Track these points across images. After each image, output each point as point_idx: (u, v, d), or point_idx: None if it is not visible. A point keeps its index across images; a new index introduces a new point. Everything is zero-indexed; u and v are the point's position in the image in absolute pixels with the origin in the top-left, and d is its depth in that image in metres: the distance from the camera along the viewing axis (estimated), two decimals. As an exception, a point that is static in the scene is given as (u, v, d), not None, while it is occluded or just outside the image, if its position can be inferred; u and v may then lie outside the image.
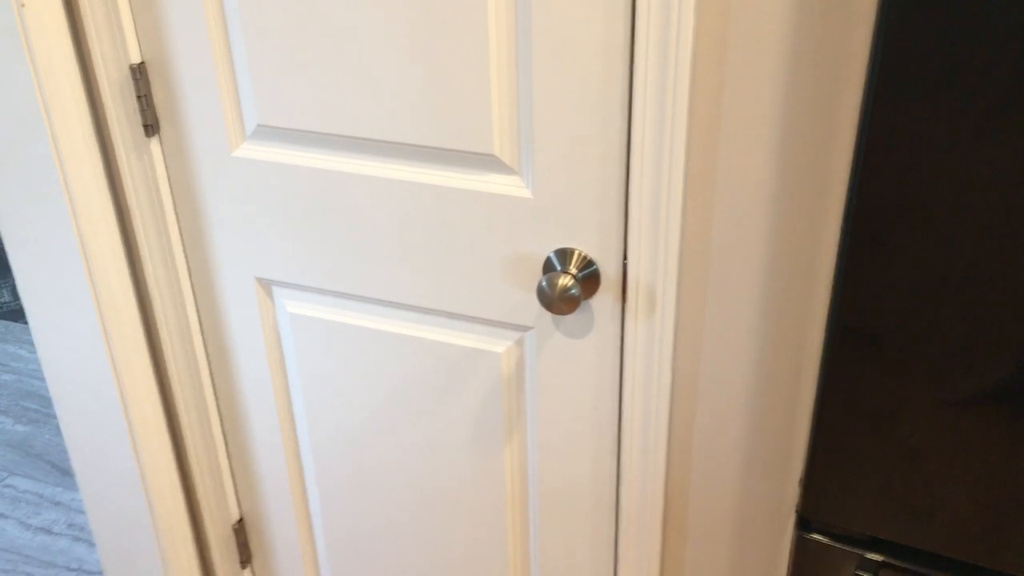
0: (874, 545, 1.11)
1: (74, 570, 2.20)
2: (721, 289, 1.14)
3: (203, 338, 1.51)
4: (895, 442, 1.02)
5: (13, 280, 1.87)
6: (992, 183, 0.86)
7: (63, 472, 2.51)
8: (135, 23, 1.27)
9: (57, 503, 2.40)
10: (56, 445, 2.61)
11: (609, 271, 1.18)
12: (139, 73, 1.29)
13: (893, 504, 1.06)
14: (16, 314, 3.23)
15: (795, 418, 1.18)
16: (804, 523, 1.14)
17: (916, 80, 0.85)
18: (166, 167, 1.37)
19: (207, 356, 1.53)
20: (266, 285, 1.42)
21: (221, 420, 1.59)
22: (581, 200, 1.15)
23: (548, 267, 1.20)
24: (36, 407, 2.77)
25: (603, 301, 1.20)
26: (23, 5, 1.20)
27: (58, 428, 2.67)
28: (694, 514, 1.30)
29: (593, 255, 1.18)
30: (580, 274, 1.18)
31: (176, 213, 1.41)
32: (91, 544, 2.27)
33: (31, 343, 3.05)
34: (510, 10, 1.08)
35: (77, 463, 1.63)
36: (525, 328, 1.27)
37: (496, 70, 1.12)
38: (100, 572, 2.19)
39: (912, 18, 0.82)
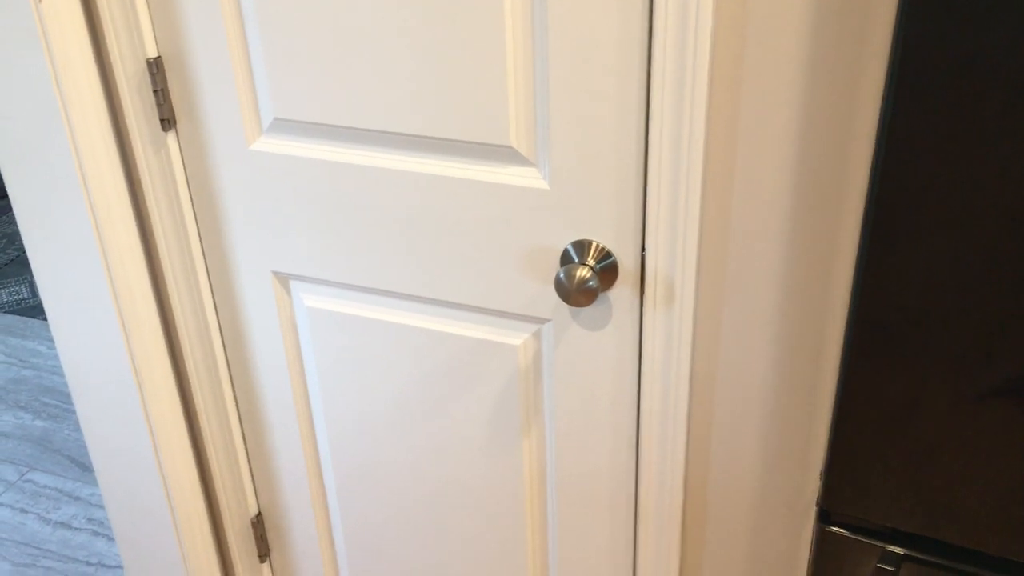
0: (896, 538, 1.10)
1: (93, 564, 2.21)
2: (740, 281, 1.13)
3: (221, 332, 1.52)
4: (916, 435, 1.01)
5: (32, 276, 1.88)
6: (1012, 176, 0.85)
7: (83, 467, 2.53)
8: (151, 17, 1.27)
9: (77, 498, 2.42)
10: (76, 440, 2.63)
11: (627, 263, 1.18)
12: (156, 67, 1.29)
13: (914, 496, 1.05)
14: (36, 310, 3.25)
15: (815, 410, 1.17)
16: (825, 516, 1.13)
17: (935, 75, 0.84)
18: (183, 161, 1.37)
19: (225, 350, 1.53)
20: (283, 279, 1.42)
21: (239, 414, 1.60)
22: (599, 191, 1.14)
23: (566, 259, 1.20)
24: (56, 403, 2.79)
25: (621, 293, 1.20)
26: (40, 1, 1.21)
27: (78, 423, 2.69)
28: (713, 507, 1.30)
29: (611, 247, 1.17)
30: (598, 266, 1.18)
31: (193, 207, 1.41)
32: (110, 539, 2.28)
33: (51, 339, 3.08)
34: (526, 0, 1.08)
35: (96, 458, 1.64)
36: (542, 320, 1.27)
37: (512, 61, 1.11)
38: (119, 566, 2.20)
39: (931, 14, 0.81)
